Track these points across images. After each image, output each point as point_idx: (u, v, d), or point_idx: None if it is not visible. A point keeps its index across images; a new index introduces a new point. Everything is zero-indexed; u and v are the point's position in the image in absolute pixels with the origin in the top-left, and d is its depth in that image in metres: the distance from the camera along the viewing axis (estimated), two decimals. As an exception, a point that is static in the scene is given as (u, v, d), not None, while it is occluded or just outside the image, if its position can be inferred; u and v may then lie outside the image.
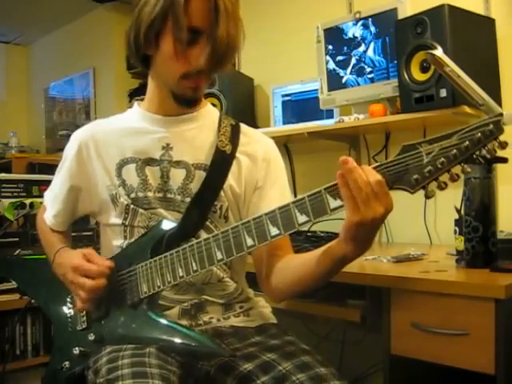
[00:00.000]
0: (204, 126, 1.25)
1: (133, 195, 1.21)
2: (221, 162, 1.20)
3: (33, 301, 1.44)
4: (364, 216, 0.90)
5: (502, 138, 0.87)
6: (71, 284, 1.18)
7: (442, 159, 0.86)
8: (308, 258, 1.09)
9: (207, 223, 1.19)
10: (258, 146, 1.26)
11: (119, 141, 1.24)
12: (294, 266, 1.14)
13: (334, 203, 0.94)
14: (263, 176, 1.24)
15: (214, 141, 1.22)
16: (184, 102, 1.18)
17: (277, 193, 1.22)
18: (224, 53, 1.10)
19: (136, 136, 1.23)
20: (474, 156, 0.86)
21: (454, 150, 0.86)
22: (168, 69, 1.13)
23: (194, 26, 1.07)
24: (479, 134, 0.84)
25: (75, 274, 1.15)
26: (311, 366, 1.04)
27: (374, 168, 0.92)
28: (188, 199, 1.19)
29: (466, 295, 1.23)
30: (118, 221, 1.22)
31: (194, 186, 1.19)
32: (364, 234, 0.94)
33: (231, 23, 1.08)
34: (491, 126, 0.84)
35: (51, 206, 1.34)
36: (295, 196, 1.25)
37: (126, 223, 1.22)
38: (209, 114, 1.27)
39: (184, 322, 1.17)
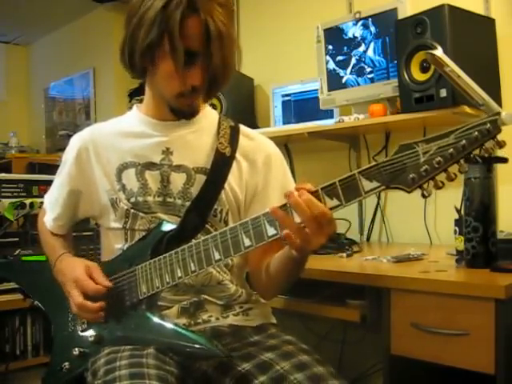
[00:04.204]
0: (203, 129, 1.25)
1: (133, 200, 1.21)
2: (221, 165, 1.20)
3: (35, 302, 1.44)
4: (305, 250, 1.00)
5: (501, 137, 0.87)
6: (68, 294, 1.20)
7: (439, 158, 0.87)
8: (279, 256, 1.16)
9: (207, 227, 1.19)
10: (258, 149, 1.26)
11: (119, 145, 1.24)
12: (273, 264, 1.18)
13: (330, 203, 0.95)
14: (263, 180, 1.24)
15: (214, 143, 1.22)
16: (181, 115, 1.21)
17: (279, 197, 1.21)
18: (218, 74, 1.12)
19: (136, 140, 1.23)
20: (472, 155, 0.86)
21: (451, 149, 0.86)
22: (165, 86, 1.15)
23: (190, 49, 1.08)
24: (476, 133, 0.84)
25: (73, 286, 1.17)
26: (309, 366, 1.04)
27: (371, 167, 0.92)
28: (188, 203, 1.19)
29: (466, 295, 1.23)
30: (119, 225, 1.22)
31: (195, 190, 1.19)
32: (309, 252, 1.04)
33: (224, 45, 1.09)
34: (488, 124, 0.84)
35: (51, 209, 1.34)
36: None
37: (127, 227, 1.22)
38: (208, 117, 1.28)
39: (183, 321, 1.18)
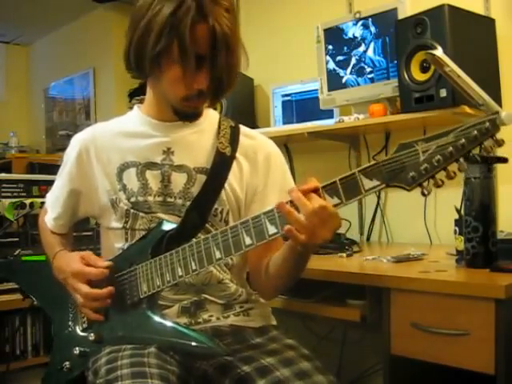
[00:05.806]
0: (204, 129, 1.25)
1: (133, 199, 1.21)
2: (221, 165, 1.21)
3: (35, 302, 1.45)
4: (310, 245, 1.00)
5: (500, 138, 0.87)
6: (72, 290, 1.19)
7: (438, 157, 0.87)
8: (280, 253, 1.16)
9: (208, 226, 1.20)
10: (258, 148, 1.26)
11: (120, 145, 1.24)
12: (273, 263, 1.19)
13: (331, 201, 0.96)
14: (264, 180, 1.24)
15: (214, 144, 1.23)
16: (184, 117, 1.21)
17: (277, 197, 1.22)
18: (223, 77, 1.12)
19: (137, 140, 1.24)
20: (471, 154, 0.87)
21: (450, 148, 0.87)
22: (171, 90, 1.15)
23: (197, 53, 1.08)
24: (475, 132, 0.85)
25: (75, 280, 1.17)
26: (309, 374, 1.04)
27: (371, 166, 0.93)
28: (189, 203, 1.19)
29: (466, 295, 1.23)
30: (119, 225, 1.23)
31: (196, 190, 1.20)
32: (314, 247, 1.05)
33: (229, 49, 1.10)
34: (487, 123, 0.85)
35: (52, 208, 1.34)
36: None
37: (127, 226, 1.22)
38: (208, 118, 1.28)
39: (183, 320, 1.18)
